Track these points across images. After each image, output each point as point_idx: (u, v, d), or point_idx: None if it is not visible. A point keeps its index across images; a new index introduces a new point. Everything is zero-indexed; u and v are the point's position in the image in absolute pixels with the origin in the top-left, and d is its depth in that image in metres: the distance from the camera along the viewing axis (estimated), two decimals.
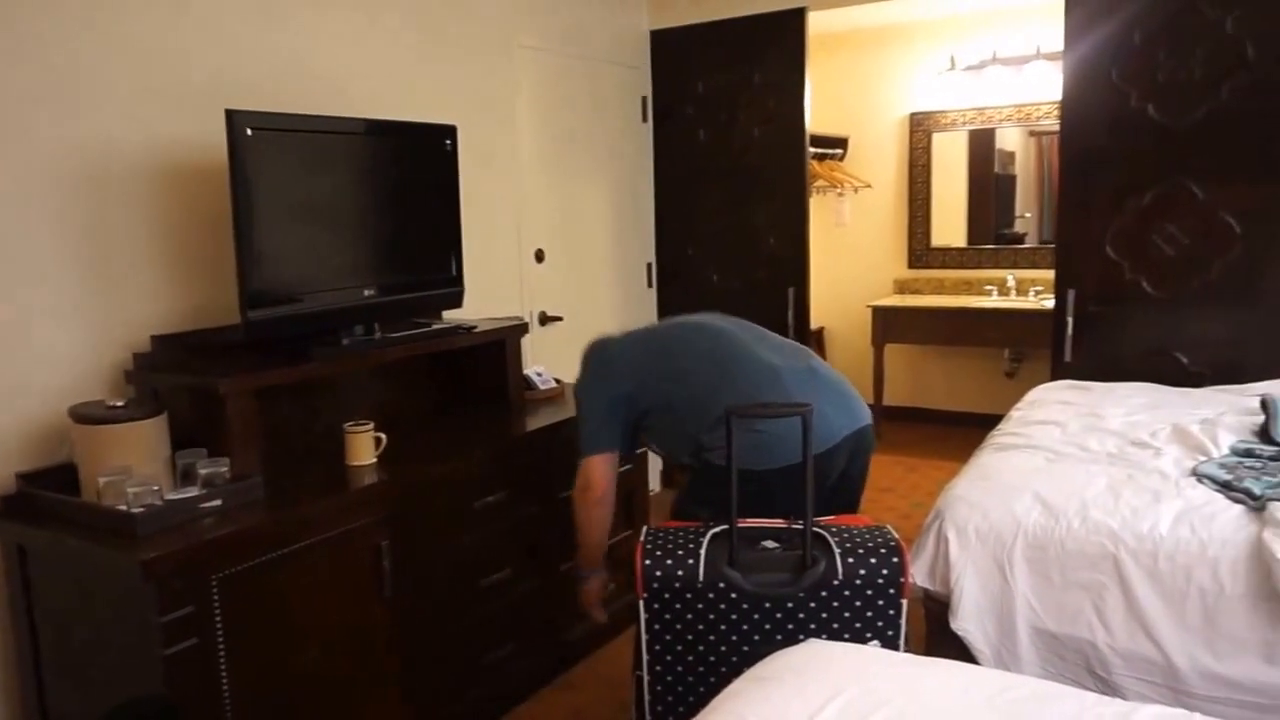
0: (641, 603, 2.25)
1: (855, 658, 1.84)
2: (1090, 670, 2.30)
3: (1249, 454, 2.69)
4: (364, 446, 2.74)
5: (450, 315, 3.40)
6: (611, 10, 4.76)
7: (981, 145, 6.29)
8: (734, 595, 2.20)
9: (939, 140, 6.35)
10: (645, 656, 2.28)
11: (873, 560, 2.20)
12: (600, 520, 2.74)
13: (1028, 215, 6.33)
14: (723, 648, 2.24)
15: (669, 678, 2.29)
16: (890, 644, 2.21)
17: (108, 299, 2.65)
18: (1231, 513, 2.32)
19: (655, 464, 4.86)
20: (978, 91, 6.11)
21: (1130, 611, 2.25)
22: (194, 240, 2.83)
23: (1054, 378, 4.03)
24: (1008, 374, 6.21)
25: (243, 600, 2.23)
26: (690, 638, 2.25)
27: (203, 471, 2.37)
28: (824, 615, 2.20)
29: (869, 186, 6.55)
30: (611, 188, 4.87)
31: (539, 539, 3.16)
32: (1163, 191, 3.84)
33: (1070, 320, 4.08)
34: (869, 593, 2.19)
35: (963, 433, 4.91)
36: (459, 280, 3.27)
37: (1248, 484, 2.41)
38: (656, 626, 2.26)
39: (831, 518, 2.41)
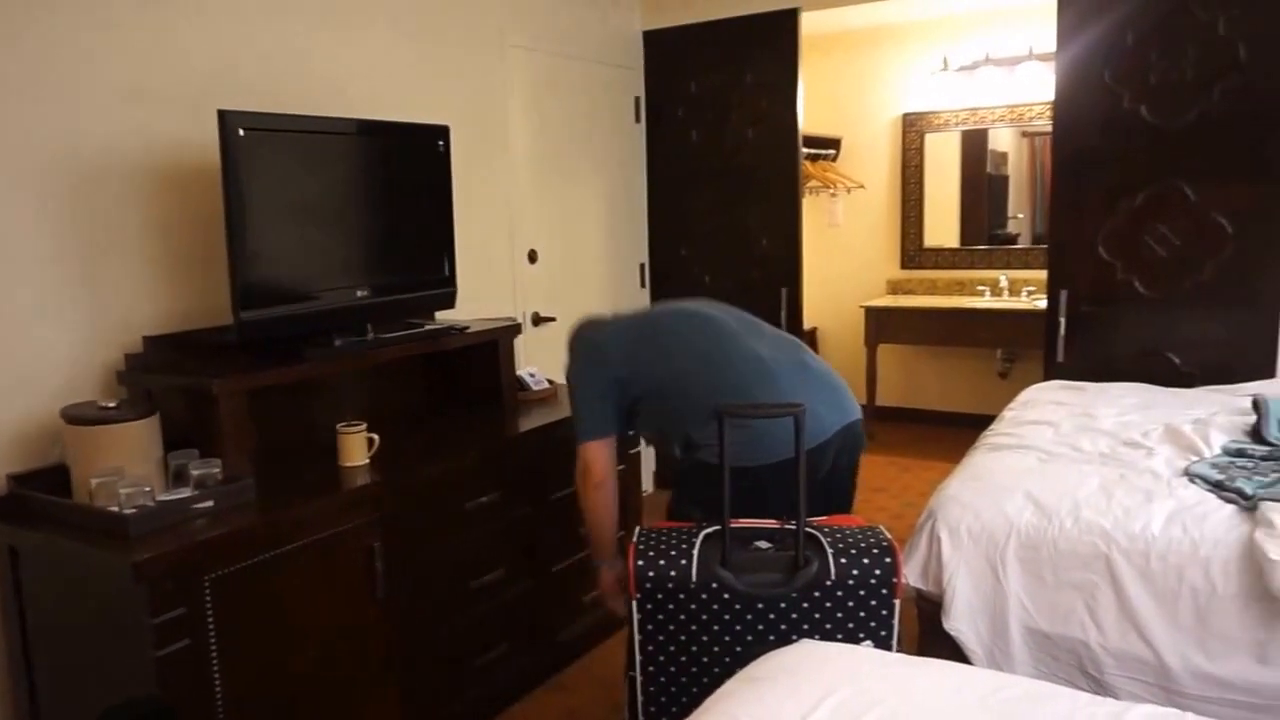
0: (634, 603, 2.25)
1: (848, 658, 1.84)
2: (1083, 670, 2.30)
3: (1241, 454, 2.70)
4: (356, 447, 2.74)
5: (443, 316, 3.39)
6: (604, 11, 4.76)
7: (974, 146, 6.30)
8: (727, 596, 2.20)
9: (932, 141, 6.36)
10: (638, 657, 2.28)
11: (865, 560, 2.20)
12: (604, 505, 2.71)
13: (1020, 216, 6.34)
14: (715, 648, 2.23)
15: (662, 678, 2.28)
16: (883, 644, 2.21)
17: (100, 299, 2.64)
18: (1223, 513, 2.32)
19: (649, 465, 4.87)
20: (970, 92, 6.12)
21: (1122, 611, 2.26)
22: (186, 240, 2.82)
23: (1047, 378, 4.04)
24: (1000, 374, 6.22)
25: (235, 601, 2.22)
26: (683, 638, 2.25)
27: (195, 473, 2.36)
28: (817, 615, 2.20)
29: (862, 187, 6.56)
30: (604, 188, 4.87)
31: (532, 540, 3.16)
32: (1155, 192, 3.85)
33: (1063, 320, 4.09)
34: (862, 593, 2.19)
35: (955, 433, 4.91)
36: (452, 281, 3.27)
37: (1239, 484, 2.42)
38: (649, 627, 2.25)
39: (824, 518, 2.41)
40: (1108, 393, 3.53)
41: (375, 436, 2.78)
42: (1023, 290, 5.97)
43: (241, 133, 2.52)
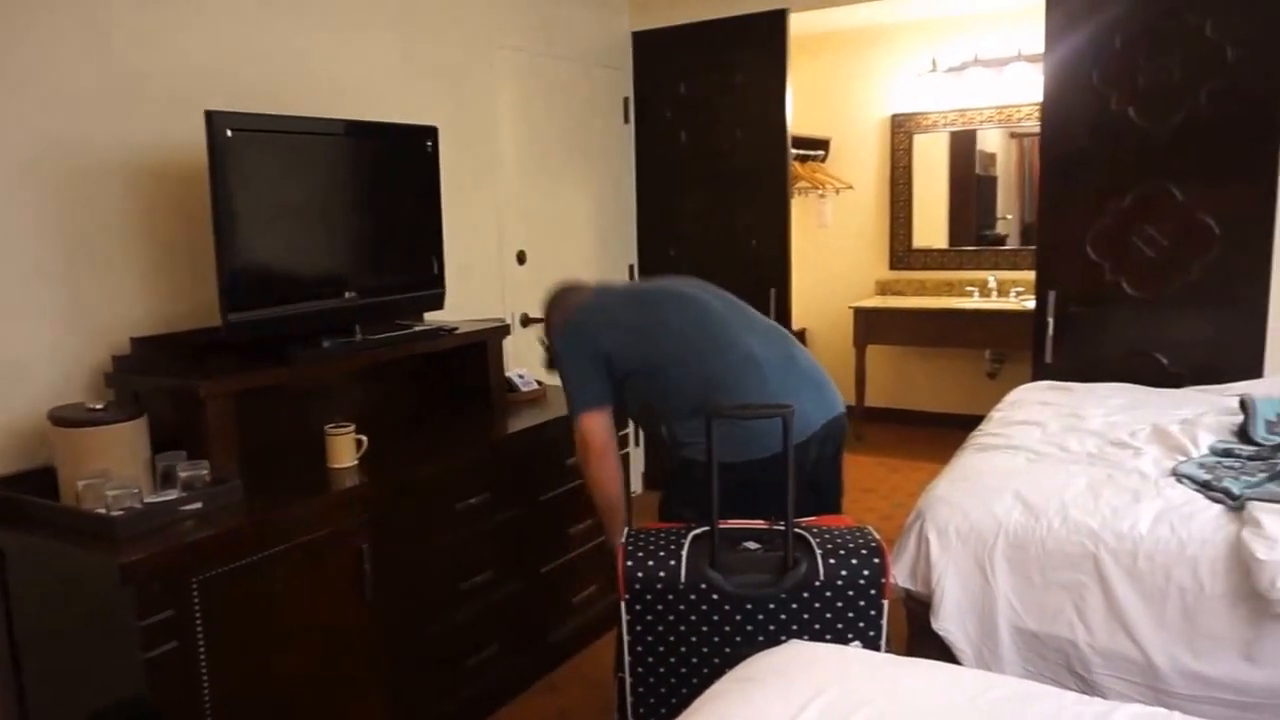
0: (623, 604, 2.25)
1: (837, 658, 1.84)
2: (1071, 669, 2.31)
3: (1228, 454, 2.71)
4: (345, 449, 2.73)
5: (432, 317, 3.39)
6: (593, 11, 4.76)
7: (963, 147, 6.31)
8: (715, 596, 2.20)
9: (920, 142, 6.38)
10: (627, 658, 2.28)
11: (854, 561, 2.20)
12: (609, 476, 2.68)
13: (1009, 217, 6.36)
14: (705, 649, 2.24)
15: (651, 679, 2.28)
16: (872, 644, 2.22)
17: (87, 300, 2.63)
18: (1211, 512, 2.33)
19: (637, 466, 4.86)
20: (959, 93, 6.14)
21: (1110, 611, 2.27)
22: (174, 241, 2.81)
23: (1035, 378, 4.05)
24: (989, 375, 6.24)
25: (223, 603, 2.22)
26: (672, 639, 2.25)
27: (183, 474, 2.35)
28: (805, 616, 2.21)
29: (850, 188, 6.57)
30: (593, 189, 4.86)
31: (522, 541, 3.16)
32: (1143, 193, 3.86)
33: (1051, 321, 4.10)
34: (850, 593, 2.20)
35: (944, 433, 4.92)
36: (440, 282, 3.26)
37: (1227, 484, 2.43)
38: (638, 628, 2.25)
39: (813, 519, 2.41)
40: (1095, 393, 3.54)
41: (364, 438, 2.77)
42: (1011, 291, 5.99)
43: (229, 133, 2.51)
